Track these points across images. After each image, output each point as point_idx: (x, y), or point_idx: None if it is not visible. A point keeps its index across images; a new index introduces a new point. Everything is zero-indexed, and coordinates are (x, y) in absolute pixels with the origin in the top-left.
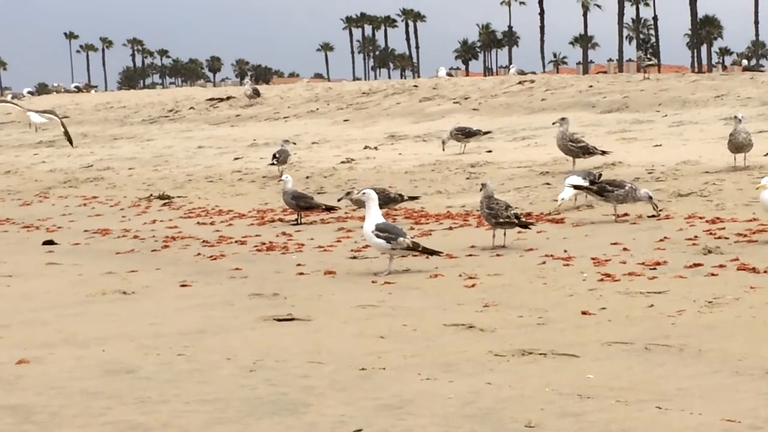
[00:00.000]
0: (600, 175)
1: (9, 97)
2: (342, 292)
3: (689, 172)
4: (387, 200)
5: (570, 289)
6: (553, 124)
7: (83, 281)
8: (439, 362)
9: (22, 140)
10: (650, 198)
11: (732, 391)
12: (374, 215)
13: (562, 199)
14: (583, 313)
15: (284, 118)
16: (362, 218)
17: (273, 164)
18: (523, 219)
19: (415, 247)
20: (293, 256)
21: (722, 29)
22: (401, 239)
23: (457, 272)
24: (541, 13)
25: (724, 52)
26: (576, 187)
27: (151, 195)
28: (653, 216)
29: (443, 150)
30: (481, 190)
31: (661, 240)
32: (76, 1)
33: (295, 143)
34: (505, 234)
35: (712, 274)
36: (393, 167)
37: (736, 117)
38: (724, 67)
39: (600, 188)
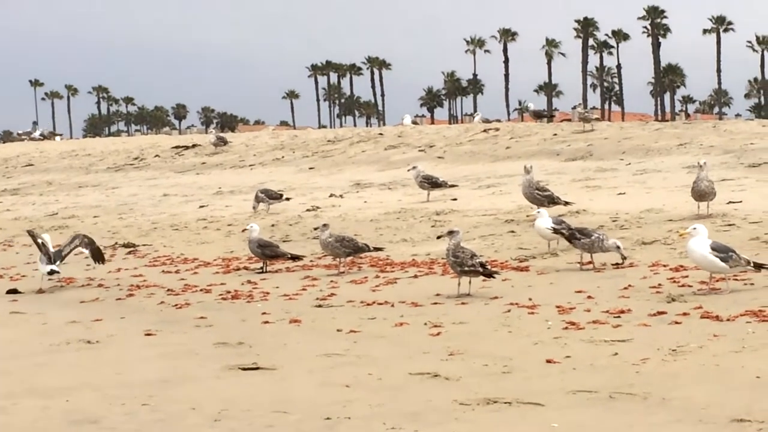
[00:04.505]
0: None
1: None
2: (307, 341)
3: (653, 220)
4: (356, 249)
5: (535, 338)
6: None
7: (47, 330)
8: (404, 411)
9: None
10: (618, 248)
11: None
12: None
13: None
14: (548, 361)
15: (250, 165)
16: (327, 266)
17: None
18: (489, 267)
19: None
20: (258, 304)
21: (685, 77)
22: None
23: (422, 320)
24: (506, 61)
25: (687, 100)
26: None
27: (116, 243)
28: (617, 264)
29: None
30: (439, 237)
31: (626, 288)
32: (41, 49)
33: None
34: (470, 282)
35: (676, 322)
36: (358, 215)
37: (698, 164)
38: (687, 115)
39: (570, 235)
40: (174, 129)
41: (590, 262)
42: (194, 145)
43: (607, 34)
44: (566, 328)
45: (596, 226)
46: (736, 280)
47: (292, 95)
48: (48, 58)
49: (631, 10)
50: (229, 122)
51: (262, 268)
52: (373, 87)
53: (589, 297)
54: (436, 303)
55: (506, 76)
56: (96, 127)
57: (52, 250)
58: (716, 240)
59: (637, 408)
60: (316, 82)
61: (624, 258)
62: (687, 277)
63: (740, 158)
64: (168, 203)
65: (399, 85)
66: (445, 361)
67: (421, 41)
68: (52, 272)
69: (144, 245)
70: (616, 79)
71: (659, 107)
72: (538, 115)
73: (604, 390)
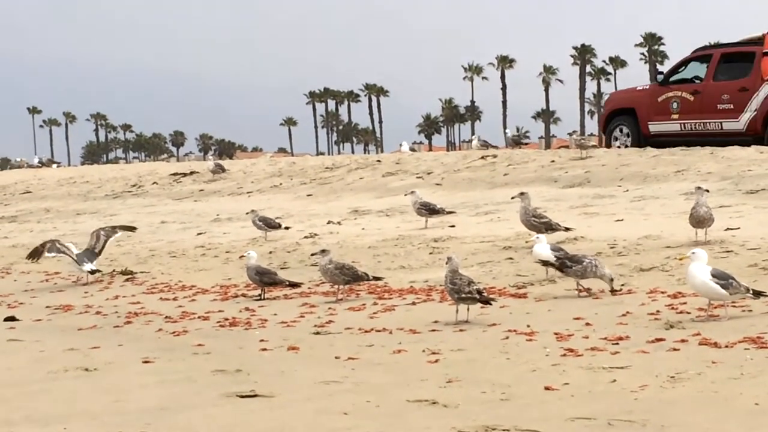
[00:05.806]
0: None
1: None
2: (305, 368)
3: (651, 246)
4: (356, 277)
5: (533, 365)
6: (512, 198)
7: (45, 358)
8: None
9: None
10: (612, 280)
11: None
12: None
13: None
14: (546, 388)
15: (248, 193)
16: (325, 293)
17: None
18: (486, 294)
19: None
20: (256, 331)
21: None
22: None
23: (420, 348)
24: (503, 88)
25: None
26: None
27: (113, 270)
28: (614, 291)
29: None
30: (447, 263)
31: (624, 315)
32: (39, 76)
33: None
34: (468, 309)
35: (675, 349)
36: (356, 242)
37: (699, 188)
38: None
39: (561, 264)
40: (172, 156)
41: (588, 289)
42: (192, 173)
43: (604, 61)
44: (564, 355)
45: (594, 253)
46: (734, 306)
47: (290, 122)
48: (46, 85)
49: (629, 36)
50: (227, 149)
51: (260, 295)
52: (371, 114)
53: (588, 324)
54: (434, 330)
55: (504, 102)
56: (94, 154)
57: (75, 251)
58: (715, 267)
59: None
60: (314, 109)
61: (612, 291)
62: (685, 303)
63: (738, 185)
64: (166, 230)
65: (397, 112)
66: (443, 388)
67: (419, 68)
68: (93, 272)
69: (142, 272)
70: None
71: None
72: (516, 142)
73: (602, 417)
